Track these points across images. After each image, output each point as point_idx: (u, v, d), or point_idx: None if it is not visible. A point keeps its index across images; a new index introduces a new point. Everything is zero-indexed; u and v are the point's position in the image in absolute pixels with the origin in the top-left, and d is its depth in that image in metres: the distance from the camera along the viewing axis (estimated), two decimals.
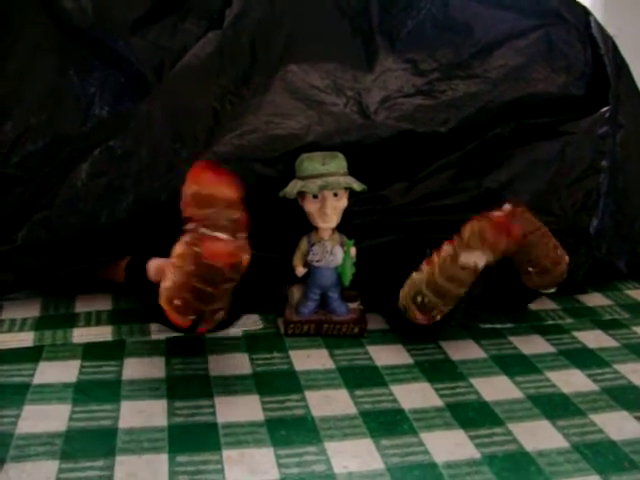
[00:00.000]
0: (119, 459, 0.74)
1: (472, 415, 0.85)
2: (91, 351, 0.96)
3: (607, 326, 1.12)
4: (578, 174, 1.17)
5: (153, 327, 1.03)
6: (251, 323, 1.07)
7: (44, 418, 0.81)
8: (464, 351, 1.01)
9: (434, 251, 0.94)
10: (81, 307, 1.09)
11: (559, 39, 1.20)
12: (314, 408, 0.85)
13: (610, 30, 1.28)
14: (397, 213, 1.10)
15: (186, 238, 0.77)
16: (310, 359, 0.98)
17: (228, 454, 0.76)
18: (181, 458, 0.75)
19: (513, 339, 1.06)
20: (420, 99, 1.12)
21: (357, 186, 0.99)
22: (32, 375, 0.90)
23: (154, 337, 1.01)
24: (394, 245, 1.09)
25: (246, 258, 0.77)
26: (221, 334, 1.01)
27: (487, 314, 1.11)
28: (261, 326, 1.06)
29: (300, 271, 1.02)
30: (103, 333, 1.02)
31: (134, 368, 0.92)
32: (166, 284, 0.78)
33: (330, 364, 0.96)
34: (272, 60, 1.12)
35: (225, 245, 0.76)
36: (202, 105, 1.07)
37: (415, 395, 0.89)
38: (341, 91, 1.11)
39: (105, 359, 0.94)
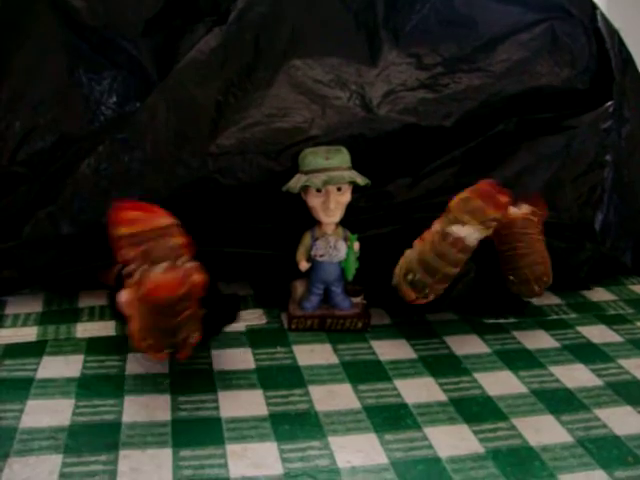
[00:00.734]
0: (123, 453, 0.74)
1: (476, 410, 0.85)
2: (94, 346, 0.96)
3: (611, 321, 1.11)
4: (582, 169, 1.17)
5: None
6: (255, 318, 1.07)
7: (48, 412, 0.81)
8: (468, 346, 1.01)
9: (425, 230, 0.93)
10: (84, 302, 1.09)
11: (564, 33, 1.20)
12: (318, 403, 0.85)
13: (616, 24, 1.28)
14: (401, 209, 1.10)
15: (131, 281, 0.76)
16: (314, 354, 0.97)
17: (232, 449, 0.76)
18: (185, 452, 0.75)
19: (517, 334, 1.05)
20: (423, 92, 1.12)
21: (361, 180, 0.99)
22: (35, 370, 0.90)
23: None
24: (397, 239, 1.09)
25: (197, 279, 0.75)
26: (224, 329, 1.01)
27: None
28: (264, 321, 1.06)
29: (303, 266, 1.02)
30: (106, 328, 1.02)
31: (137, 363, 0.92)
32: (134, 326, 0.77)
33: (334, 359, 0.96)
34: (276, 54, 1.11)
35: (165, 276, 0.74)
36: (206, 98, 1.07)
37: (419, 390, 0.89)
38: (345, 85, 1.11)
39: (108, 354, 0.94)
